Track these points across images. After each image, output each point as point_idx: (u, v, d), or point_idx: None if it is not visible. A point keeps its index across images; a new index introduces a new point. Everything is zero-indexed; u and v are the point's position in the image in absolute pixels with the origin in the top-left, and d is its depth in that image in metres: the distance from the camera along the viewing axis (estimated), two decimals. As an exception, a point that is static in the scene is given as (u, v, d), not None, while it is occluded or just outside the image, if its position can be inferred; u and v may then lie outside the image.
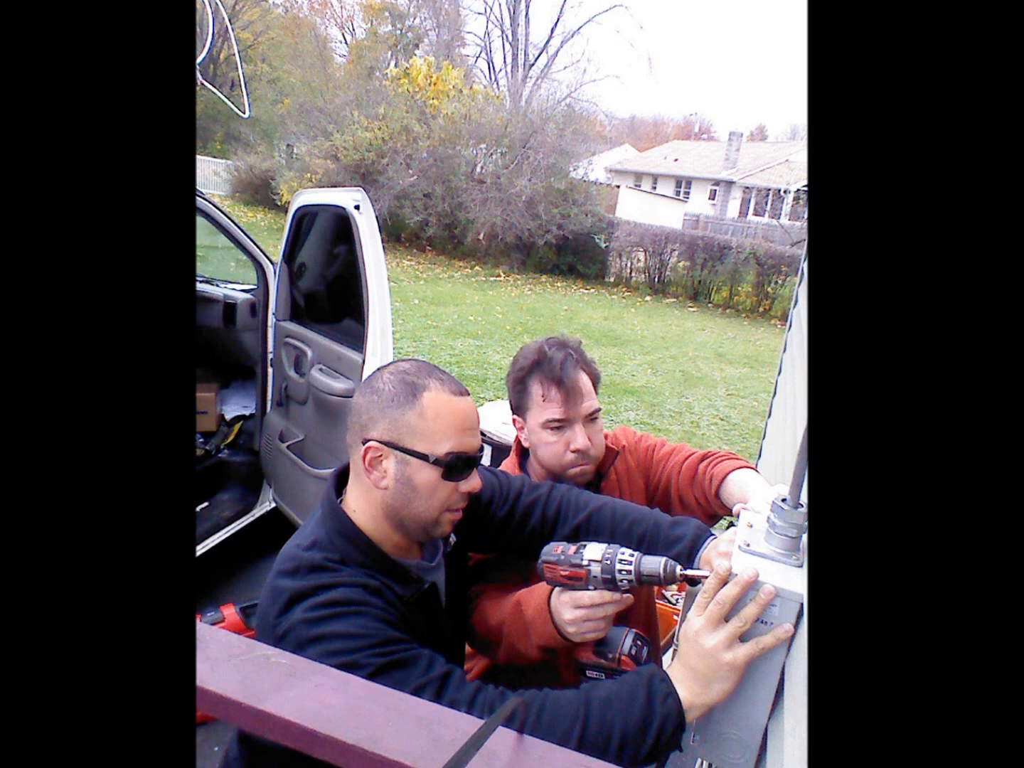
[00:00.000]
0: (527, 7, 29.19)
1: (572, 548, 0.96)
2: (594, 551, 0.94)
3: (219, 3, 2.48)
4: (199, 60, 2.30)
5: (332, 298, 2.94)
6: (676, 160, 30.81)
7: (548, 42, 30.49)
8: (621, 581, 0.93)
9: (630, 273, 14.81)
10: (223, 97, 2.68)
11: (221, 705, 0.63)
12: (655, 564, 0.92)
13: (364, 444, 0.97)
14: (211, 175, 22.42)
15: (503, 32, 30.40)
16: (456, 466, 0.97)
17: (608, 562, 0.93)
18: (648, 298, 13.60)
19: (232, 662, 0.66)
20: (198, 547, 2.80)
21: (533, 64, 30.06)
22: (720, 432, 6.14)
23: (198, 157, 23.91)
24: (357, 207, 2.34)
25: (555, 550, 0.97)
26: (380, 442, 0.96)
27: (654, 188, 29.42)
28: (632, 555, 0.93)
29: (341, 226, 2.60)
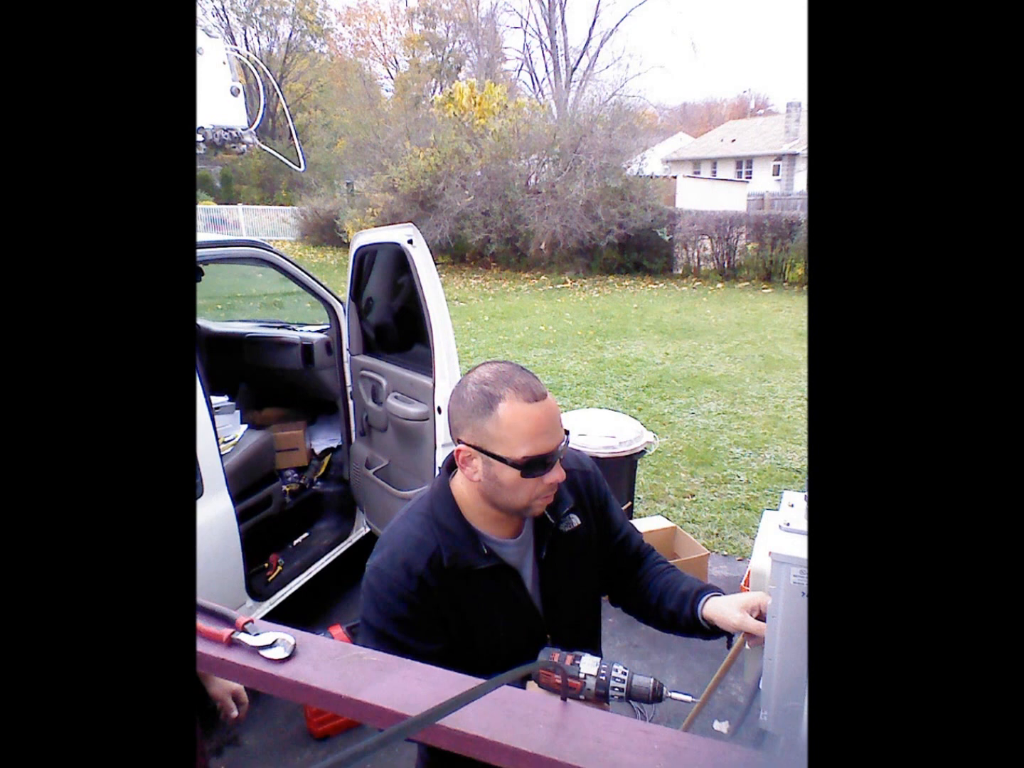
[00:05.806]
0: (563, 13, 29.30)
1: (568, 658, 1.02)
2: (589, 665, 1.00)
3: (267, 71, 2.67)
4: (255, 126, 2.50)
5: (400, 328, 3.10)
6: (734, 141, 30.10)
7: (587, 44, 30.51)
8: (612, 696, 1.00)
9: (698, 262, 14.56)
10: (278, 155, 2.88)
11: (324, 699, 0.73)
12: (646, 683, 0.99)
13: (457, 445, 1.10)
14: (280, 223, 23.45)
15: (541, 42, 30.59)
16: (533, 466, 1.06)
17: (603, 677, 0.99)
18: (719, 285, 13.35)
19: (331, 662, 0.76)
20: (303, 576, 2.98)
21: (575, 68, 30.09)
22: (806, 414, 5.97)
23: (267, 208, 25.15)
24: (410, 241, 2.48)
25: (552, 657, 1.03)
26: (468, 445, 1.08)
27: (714, 173, 28.80)
28: (625, 672, 1.00)
29: (398, 260, 2.75)
